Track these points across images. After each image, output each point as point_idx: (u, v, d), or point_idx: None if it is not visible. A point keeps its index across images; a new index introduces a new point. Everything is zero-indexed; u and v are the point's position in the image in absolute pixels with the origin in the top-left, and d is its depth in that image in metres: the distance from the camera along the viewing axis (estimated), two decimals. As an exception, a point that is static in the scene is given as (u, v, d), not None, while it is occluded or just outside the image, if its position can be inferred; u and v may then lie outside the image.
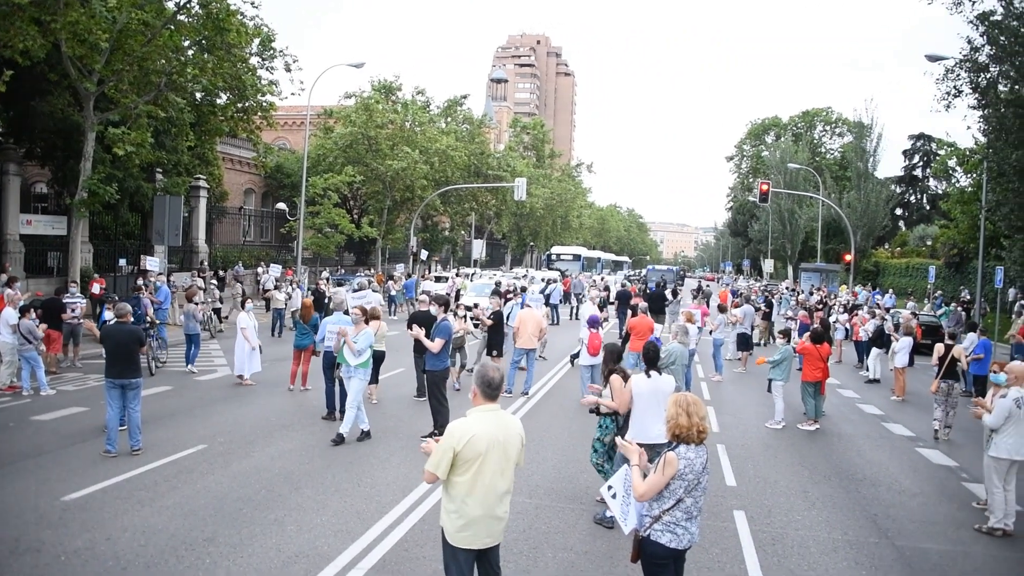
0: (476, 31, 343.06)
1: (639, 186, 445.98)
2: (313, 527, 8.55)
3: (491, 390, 5.60)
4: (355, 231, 44.29)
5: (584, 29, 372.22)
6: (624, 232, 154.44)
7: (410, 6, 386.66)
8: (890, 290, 46.80)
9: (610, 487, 5.73)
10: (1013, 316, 30.02)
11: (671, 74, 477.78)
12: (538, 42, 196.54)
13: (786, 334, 16.47)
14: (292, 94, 35.93)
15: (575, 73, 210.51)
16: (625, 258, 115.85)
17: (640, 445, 8.43)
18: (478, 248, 59.94)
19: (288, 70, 32.75)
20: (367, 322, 13.17)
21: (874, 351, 22.16)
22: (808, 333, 16.18)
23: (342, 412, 13.90)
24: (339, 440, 12.12)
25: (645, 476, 5.57)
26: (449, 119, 55.50)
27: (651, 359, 9.22)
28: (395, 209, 48.58)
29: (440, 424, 12.35)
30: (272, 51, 32.13)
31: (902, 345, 19.34)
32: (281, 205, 43.70)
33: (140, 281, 23.92)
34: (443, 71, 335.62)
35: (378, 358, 15.41)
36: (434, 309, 13.97)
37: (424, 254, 46.68)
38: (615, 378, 9.23)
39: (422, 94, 51.61)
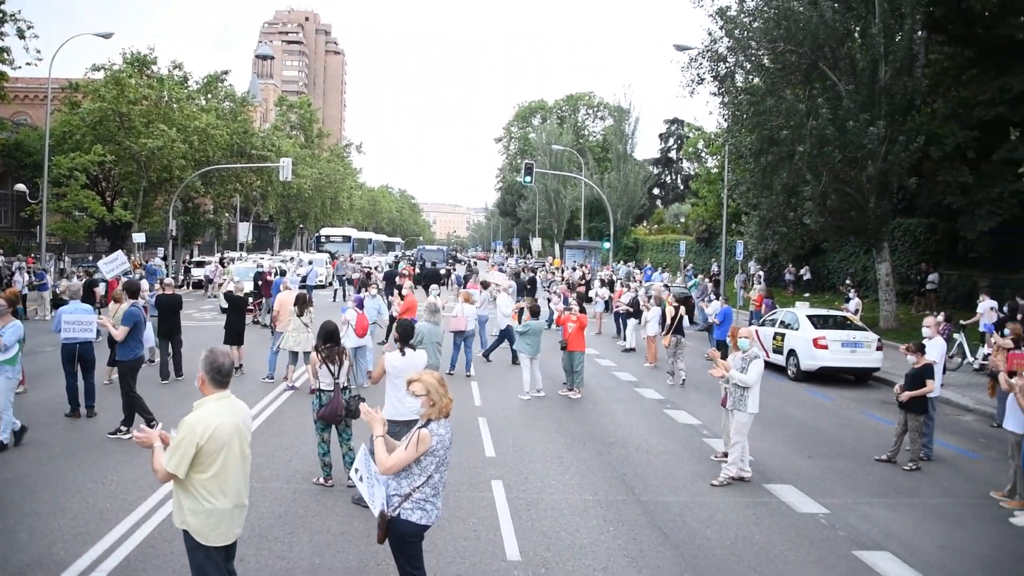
0: (241, 5, 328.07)
1: (412, 167, 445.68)
2: (49, 533, 7.89)
3: (221, 376, 5.38)
4: (107, 215, 41.26)
5: (354, 7, 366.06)
6: (396, 213, 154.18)
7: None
8: (649, 264, 49.66)
9: (356, 469, 5.65)
10: (753, 284, 32.69)
11: (442, 55, 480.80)
12: (307, 19, 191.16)
13: (534, 311, 16.71)
14: (28, 64, 32.70)
15: (345, 52, 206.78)
16: (398, 239, 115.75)
17: (396, 422, 8.48)
18: (244, 231, 57.55)
19: (22, 37, 29.99)
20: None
21: (630, 322, 23.39)
22: (573, 305, 16.85)
23: (87, 407, 12.96)
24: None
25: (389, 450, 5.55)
26: (209, 96, 52.59)
27: (405, 336, 9.19)
28: (152, 191, 45.59)
29: (128, 416, 11.63)
30: (2, 15, 29.19)
31: (653, 315, 20.57)
32: (20, 186, 39.83)
33: None
34: (205, 47, 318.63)
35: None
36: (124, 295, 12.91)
37: (139, 237, 42.69)
38: (314, 355, 9.59)
39: (179, 68, 48.48)
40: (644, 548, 8.02)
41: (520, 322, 17.28)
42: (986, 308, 20.54)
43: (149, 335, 13.16)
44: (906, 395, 11.30)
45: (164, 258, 43.41)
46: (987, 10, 27.65)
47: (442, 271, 42.12)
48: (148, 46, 54.48)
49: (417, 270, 39.97)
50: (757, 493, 9.98)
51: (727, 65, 28.38)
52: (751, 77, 28.79)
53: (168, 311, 16.64)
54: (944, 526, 9.02)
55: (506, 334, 19.62)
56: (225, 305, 28.26)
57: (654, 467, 11.04)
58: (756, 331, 19.68)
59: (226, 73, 52.66)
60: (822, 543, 8.35)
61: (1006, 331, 14.42)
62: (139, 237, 42.14)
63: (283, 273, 27.49)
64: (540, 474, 10.45)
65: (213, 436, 5.12)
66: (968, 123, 26.70)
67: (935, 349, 12.22)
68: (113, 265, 19.89)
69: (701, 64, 28.66)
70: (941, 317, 16.41)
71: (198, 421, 5.15)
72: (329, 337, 9.63)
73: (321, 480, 9.59)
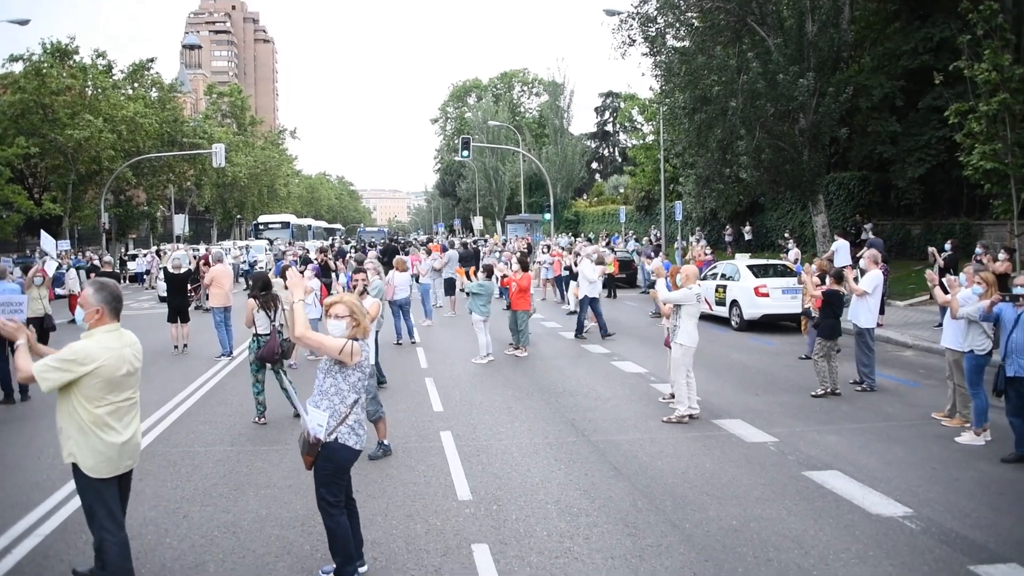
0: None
1: (349, 154, 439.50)
2: (-19, 505, 7.59)
3: (120, 304, 5.36)
4: (35, 209, 39.96)
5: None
6: (336, 200, 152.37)
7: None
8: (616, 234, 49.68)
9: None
10: (691, 242, 32.97)
11: (373, 39, 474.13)
12: (233, 7, 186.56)
13: (487, 270, 16.80)
14: (-62, 53, 31.42)
15: (275, 40, 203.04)
16: (338, 226, 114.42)
17: None
18: (180, 223, 56.14)
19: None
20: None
21: (572, 284, 23.35)
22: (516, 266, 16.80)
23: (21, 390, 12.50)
24: None
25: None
26: (136, 85, 51.14)
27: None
28: (81, 184, 44.30)
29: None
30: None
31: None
32: None
33: None
34: (129, 39, 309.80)
35: None
36: None
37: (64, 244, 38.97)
38: (250, 302, 10.28)
39: (103, 57, 46.92)
40: (596, 481, 7.98)
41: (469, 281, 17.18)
42: (840, 247, 20.99)
43: None
44: (818, 289, 12.43)
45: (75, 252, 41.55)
46: (908, -38, 28.24)
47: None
48: (68, 35, 52.91)
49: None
50: (706, 428, 10.02)
51: (657, 26, 28.39)
52: (681, 37, 28.87)
53: None
54: (889, 445, 9.14)
55: (590, 304, 18.32)
56: (164, 294, 27.80)
57: (603, 411, 11.02)
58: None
59: (152, 61, 51.25)
60: (772, 467, 8.40)
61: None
62: (63, 244, 39.59)
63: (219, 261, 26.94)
64: (489, 424, 10.36)
65: (97, 371, 5.04)
66: (894, 74, 27.18)
67: (871, 280, 12.39)
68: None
69: (632, 26, 28.65)
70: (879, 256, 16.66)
71: (83, 349, 5.07)
72: (264, 285, 10.33)
73: (256, 419, 10.07)
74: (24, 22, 33.85)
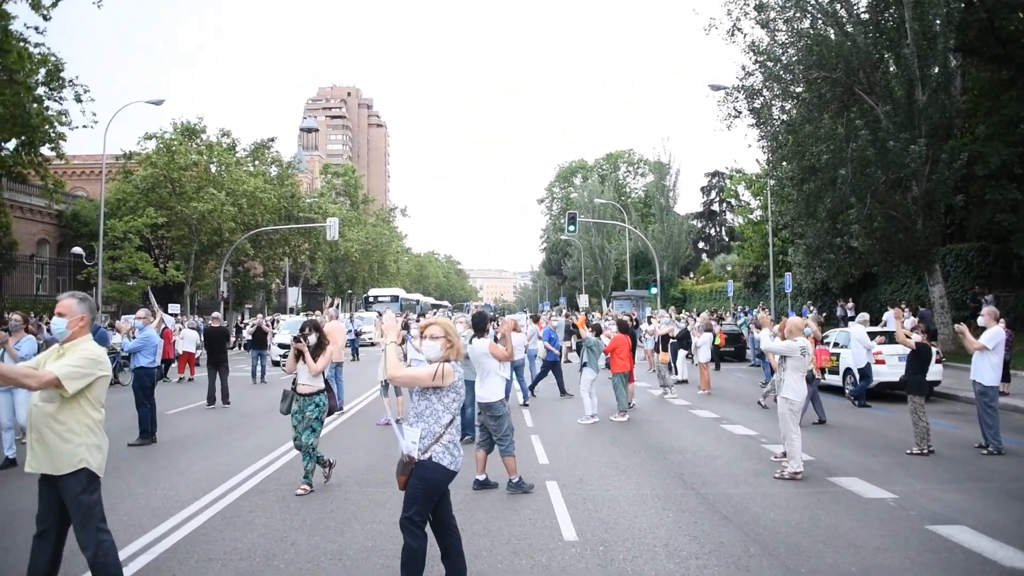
0: (284, 84, 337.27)
1: (457, 234, 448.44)
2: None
3: (95, 316, 5.61)
4: (160, 275, 42.26)
5: (396, 80, 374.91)
6: (443, 279, 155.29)
7: (212, 55, 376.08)
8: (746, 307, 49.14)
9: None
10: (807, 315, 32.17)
11: (481, 125, 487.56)
12: (349, 94, 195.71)
13: (596, 328, 16.86)
14: (84, 126, 34.04)
15: (387, 124, 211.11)
16: (445, 302, 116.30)
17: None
18: (293, 296, 58.20)
19: (79, 100, 31.37)
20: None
21: (680, 353, 23.06)
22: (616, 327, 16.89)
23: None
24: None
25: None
26: (257, 162, 53.93)
27: (477, 327, 10.09)
28: (203, 254, 46.77)
29: None
30: (60, 81, 30.56)
31: (703, 340, 20.36)
32: (77, 250, 40.96)
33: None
34: (251, 123, 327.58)
35: None
36: None
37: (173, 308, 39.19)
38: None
39: (227, 136, 49.93)
40: (706, 528, 7.79)
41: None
42: (889, 317, 24.09)
43: None
44: (911, 339, 12.19)
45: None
46: (1020, 30, 27.50)
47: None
48: (197, 116, 56.43)
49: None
50: (821, 484, 9.67)
51: (762, 98, 28.42)
52: (787, 108, 28.80)
53: (216, 342, 17.72)
54: (1020, 504, 8.64)
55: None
56: (277, 359, 28.76)
57: (713, 468, 10.78)
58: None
59: (272, 140, 54.08)
60: (892, 521, 8.03)
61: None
62: (174, 307, 41.13)
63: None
64: (595, 476, 10.25)
65: (106, 375, 5.28)
66: (1011, 141, 26.27)
67: (992, 337, 11.87)
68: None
69: (737, 99, 28.76)
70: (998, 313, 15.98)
71: (98, 352, 5.27)
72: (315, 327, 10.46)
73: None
74: (159, 103, 36.35)
